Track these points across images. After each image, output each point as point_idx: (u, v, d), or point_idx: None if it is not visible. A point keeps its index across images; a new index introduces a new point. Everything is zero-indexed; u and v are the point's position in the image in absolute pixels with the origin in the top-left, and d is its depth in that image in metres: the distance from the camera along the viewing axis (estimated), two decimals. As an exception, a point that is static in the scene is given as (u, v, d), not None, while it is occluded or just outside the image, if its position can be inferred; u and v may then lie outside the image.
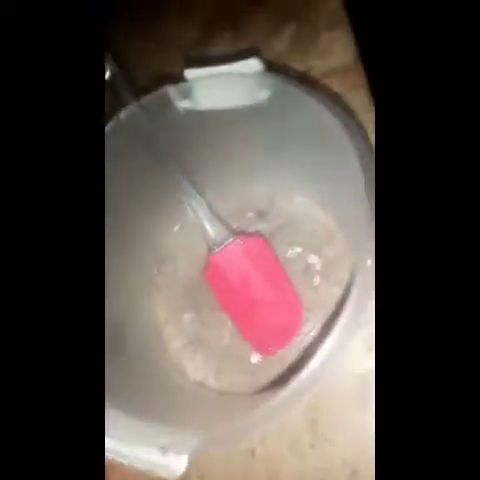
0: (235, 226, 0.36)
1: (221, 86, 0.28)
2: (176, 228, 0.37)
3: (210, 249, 0.33)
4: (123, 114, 0.27)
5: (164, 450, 0.21)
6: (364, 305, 0.20)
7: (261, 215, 0.36)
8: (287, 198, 0.35)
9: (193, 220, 0.33)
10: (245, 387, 0.31)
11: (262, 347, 0.31)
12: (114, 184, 0.26)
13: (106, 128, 0.27)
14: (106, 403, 0.21)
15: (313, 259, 0.33)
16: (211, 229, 0.31)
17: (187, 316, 0.35)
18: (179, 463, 0.20)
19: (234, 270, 0.32)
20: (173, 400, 0.29)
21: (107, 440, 0.21)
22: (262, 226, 0.35)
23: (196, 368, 0.33)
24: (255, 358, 0.31)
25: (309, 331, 0.31)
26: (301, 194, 0.35)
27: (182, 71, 0.27)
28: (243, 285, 0.32)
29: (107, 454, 0.22)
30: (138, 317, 0.34)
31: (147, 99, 0.28)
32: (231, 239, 0.32)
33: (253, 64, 0.27)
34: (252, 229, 0.36)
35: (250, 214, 0.37)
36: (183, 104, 0.28)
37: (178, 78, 0.28)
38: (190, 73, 0.28)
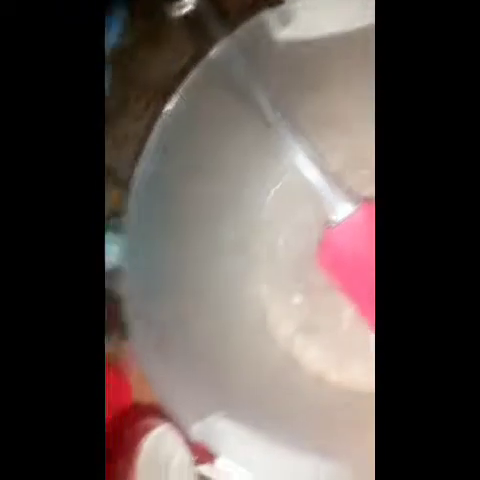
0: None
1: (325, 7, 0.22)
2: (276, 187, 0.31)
3: (324, 219, 0.27)
4: (213, 54, 0.22)
5: None
6: None
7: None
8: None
9: (297, 179, 0.26)
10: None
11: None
12: (199, 139, 0.22)
13: (196, 74, 0.22)
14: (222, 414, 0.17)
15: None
16: (326, 192, 0.25)
17: (296, 299, 0.29)
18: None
19: (357, 245, 0.25)
20: (289, 400, 0.24)
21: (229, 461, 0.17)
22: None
23: (311, 360, 0.27)
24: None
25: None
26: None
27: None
28: (367, 263, 0.25)
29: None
30: (238, 301, 0.30)
31: (240, 30, 0.22)
32: (352, 206, 0.26)
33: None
34: (366, 192, 0.29)
35: (364, 171, 0.29)
36: (282, 33, 0.22)
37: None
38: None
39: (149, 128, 0.26)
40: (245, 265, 0.31)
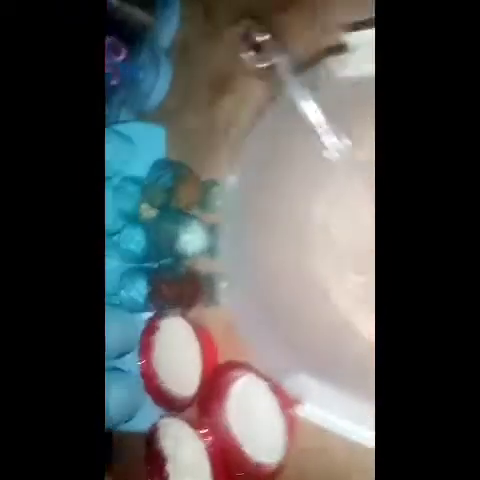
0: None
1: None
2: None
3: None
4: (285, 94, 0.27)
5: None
6: None
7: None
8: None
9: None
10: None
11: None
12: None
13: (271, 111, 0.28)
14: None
15: None
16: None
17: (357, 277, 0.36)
18: (370, 437, 0.23)
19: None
20: (350, 363, 0.32)
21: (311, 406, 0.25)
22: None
23: (368, 332, 0.34)
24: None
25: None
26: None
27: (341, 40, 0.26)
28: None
29: (311, 418, 0.25)
30: (308, 277, 0.36)
31: (308, 74, 0.27)
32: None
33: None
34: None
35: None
36: (343, 73, 0.27)
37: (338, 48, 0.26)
38: (351, 37, 0.26)
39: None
40: (311, 250, 0.37)
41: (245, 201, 0.35)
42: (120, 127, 0.50)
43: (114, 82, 0.48)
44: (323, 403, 0.26)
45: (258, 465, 0.38)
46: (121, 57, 0.48)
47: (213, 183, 0.45)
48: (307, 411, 0.26)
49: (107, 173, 0.48)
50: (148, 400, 0.45)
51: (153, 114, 0.52)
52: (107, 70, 0.47)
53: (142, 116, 0.53)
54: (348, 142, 0.30)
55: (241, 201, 0.35)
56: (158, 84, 0.51)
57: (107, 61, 0.47)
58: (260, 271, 0.35)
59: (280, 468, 0.36)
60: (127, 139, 0.49)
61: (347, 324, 0.35)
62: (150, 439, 0.45)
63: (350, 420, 0.26)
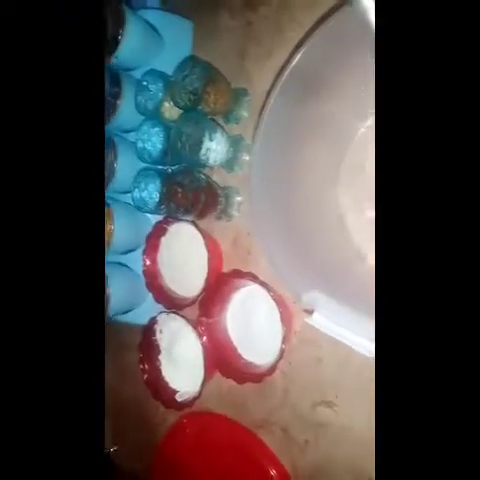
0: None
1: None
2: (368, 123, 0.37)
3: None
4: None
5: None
6: None
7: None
8: None
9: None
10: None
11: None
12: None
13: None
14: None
15: None
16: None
17: (369, 212, 0.37)
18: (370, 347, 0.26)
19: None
20: (356, 283, 0.34)
21: (322, 318, 0.27)
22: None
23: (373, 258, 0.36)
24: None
25: None
26: None
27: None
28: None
29: (320, 326, 0.28)
30: (328, 208, 0.38)
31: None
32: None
33: None
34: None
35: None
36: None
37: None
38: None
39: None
40: (337, 181, 0.38)
41: (273, 118, 0.35)
42: (146, 14, 0.46)
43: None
44: (329, 315, 0.28)
45: (249, 363, 0.42)
46: None
47: (243, 92, 0.44)
48: (315, 320, 0.29)
49: (130, 62, 0.46)
50: (150, 297, 0.47)
51: (183, 4, 0.48)
52: None
53: (172, 6, 0.49)
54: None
55: (269, 118, 0.35)
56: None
57: None
58: (282, 190, 0.36)
59: (271, 370, 0.40)
60: (153, 28, 0.46)
61: (357, 250, 0.37)
62: (147, 330, 0.48)
63: (351, 331, 0.29)
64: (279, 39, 0.42)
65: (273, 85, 0.33)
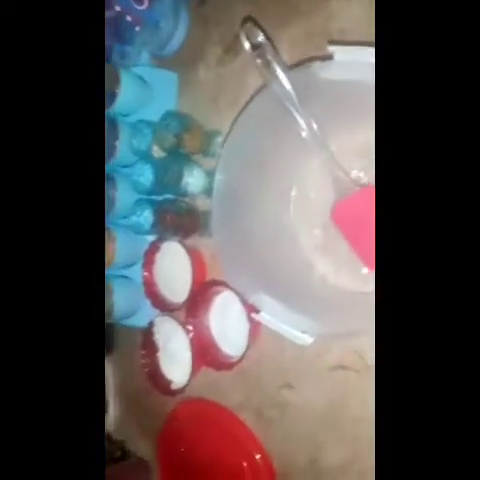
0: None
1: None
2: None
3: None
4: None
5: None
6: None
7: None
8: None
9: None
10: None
11: (371, 264, 0.42)
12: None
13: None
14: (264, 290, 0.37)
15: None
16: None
17: (317, 231, 0.46)
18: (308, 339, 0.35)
19: (358, 212, 0.40)
20: (303, 291, 0.43)
21: (265, 315, 0.37)
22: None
23: (321, 267, 0.45)
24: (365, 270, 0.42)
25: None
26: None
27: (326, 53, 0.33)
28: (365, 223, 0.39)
29: (265, 321, 0.37)
30: (281, 227, 0.47)
31: (295, 71, 0.35)
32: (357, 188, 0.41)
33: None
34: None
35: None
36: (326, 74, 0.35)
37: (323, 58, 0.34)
38: (334, 50, 0.34)
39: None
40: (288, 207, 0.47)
41: (242, 153, 0.44)
42: (139, 70, 0.57)
43: (137, 29, 0.54)
44: (275, 314, 0.38)
45: (226, 355, 0.52)
46: (143, 6, 0.53)
47: (216, 133, 0.53)
48: (263, 317, 0.38)
49: (126, 111, 0.56)
50: (147, 303, 0.57)
51: (169, 62, 0.58)
52: (130, 17, 0.53)
53: (159, 63, 0.59)
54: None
55: (238, 152, 0.44)
56: (176, 33, 0.57)
57: (130, 9, 0.52)
58: (246, 216, 0.46)
59: (240, 359, 0.49)
60: (144, 82, 0.56)
61: (307, 264, 0.46)
62: (147, 331, 0.58)
63: (291, 326, 0.38)
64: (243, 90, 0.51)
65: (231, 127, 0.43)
